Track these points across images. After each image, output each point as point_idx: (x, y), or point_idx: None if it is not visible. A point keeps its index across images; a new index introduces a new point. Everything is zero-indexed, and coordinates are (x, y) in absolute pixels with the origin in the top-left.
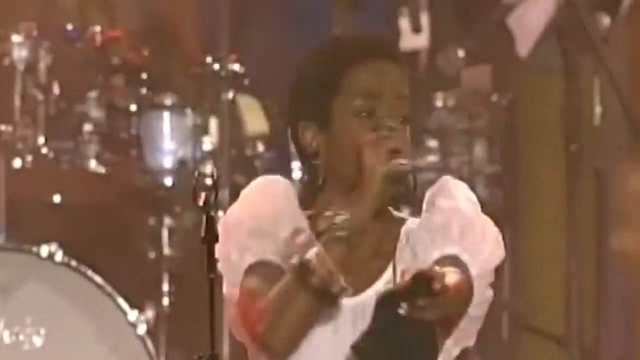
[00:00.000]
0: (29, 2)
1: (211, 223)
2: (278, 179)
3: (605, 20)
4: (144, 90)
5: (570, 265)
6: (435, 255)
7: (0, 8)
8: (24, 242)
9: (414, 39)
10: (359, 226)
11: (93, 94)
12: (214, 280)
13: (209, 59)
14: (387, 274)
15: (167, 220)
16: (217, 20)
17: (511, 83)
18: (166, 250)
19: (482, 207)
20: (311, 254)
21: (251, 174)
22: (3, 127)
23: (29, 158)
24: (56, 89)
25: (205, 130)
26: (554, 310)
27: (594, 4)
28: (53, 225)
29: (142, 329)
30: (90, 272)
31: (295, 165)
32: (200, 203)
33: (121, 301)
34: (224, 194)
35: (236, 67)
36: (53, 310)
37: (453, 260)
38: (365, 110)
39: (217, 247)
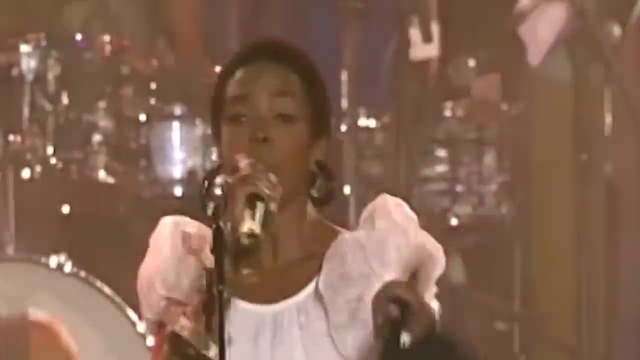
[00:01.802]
0: (37, 12)
1: (219, 233)
2: (165, 224)
3: (616, 30)
4: (153, 100)
5: (581, 275)
6: (377, 285)
7: (9, 18)
8: (33, 253)
9: (424, 49)
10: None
11: (102, 104)
12: (222, 292)
13: (217, 69)
14: (311, 287)
15: None
16: (225, 30)
17: (522, 93)
18: None
19: (491, 217)
20: (180, 325)
21: None
22: (12, 138)
23: (38, 168)
24: (65, 99)
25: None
26: (565, 320)
27: (604, 14)
28: (62, 235)
29: (151, 341)
30: (99, 283)
31: None
32: (209, 213)
33: (130, 312)
34: None
35: None
36: (62, 321)
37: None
38: (235, 115)
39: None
